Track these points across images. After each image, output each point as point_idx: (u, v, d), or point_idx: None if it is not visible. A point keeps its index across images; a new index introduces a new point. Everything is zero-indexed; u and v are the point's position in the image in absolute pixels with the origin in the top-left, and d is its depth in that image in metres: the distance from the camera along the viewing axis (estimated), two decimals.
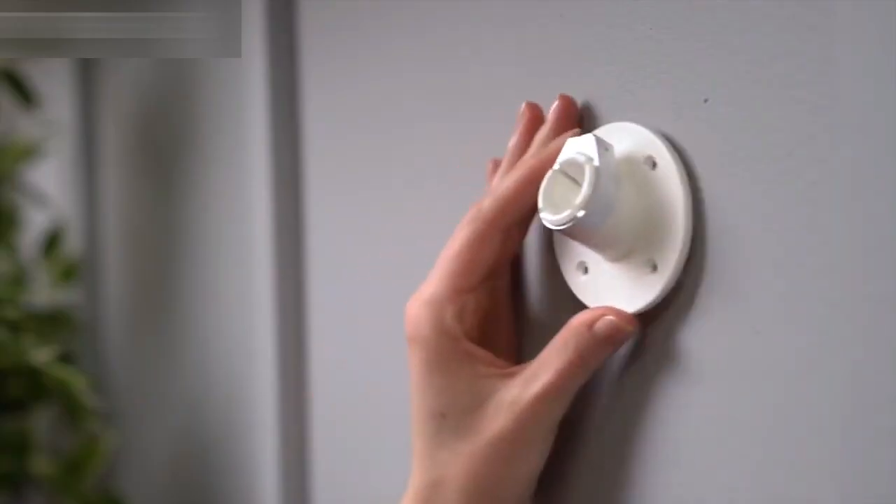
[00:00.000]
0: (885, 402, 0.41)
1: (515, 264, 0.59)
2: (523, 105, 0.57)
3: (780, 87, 0.45)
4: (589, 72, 0.55)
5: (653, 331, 0.51)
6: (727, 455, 0.49)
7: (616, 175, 0.49)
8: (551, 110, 0.56)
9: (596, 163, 0.49)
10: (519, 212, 0.55)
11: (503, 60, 0.61)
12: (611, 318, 0.51)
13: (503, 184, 0.55)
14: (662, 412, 0.51)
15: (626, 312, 0.51)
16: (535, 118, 0.57)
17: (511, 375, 0.53)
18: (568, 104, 0.55)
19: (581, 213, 0.49)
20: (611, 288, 0.52)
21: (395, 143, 0.72)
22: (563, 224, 0.49)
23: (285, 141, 0.83)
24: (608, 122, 0.54)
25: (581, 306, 0.54)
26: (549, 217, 0.50)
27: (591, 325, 0.51)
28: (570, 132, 0.54)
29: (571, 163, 0.50)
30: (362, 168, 0.76)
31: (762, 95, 0.46)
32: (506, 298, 0.58)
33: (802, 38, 0.44)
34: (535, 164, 0.54)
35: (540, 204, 0.51)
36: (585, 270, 0.54)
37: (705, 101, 0.49)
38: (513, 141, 0.58)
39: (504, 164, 0.58)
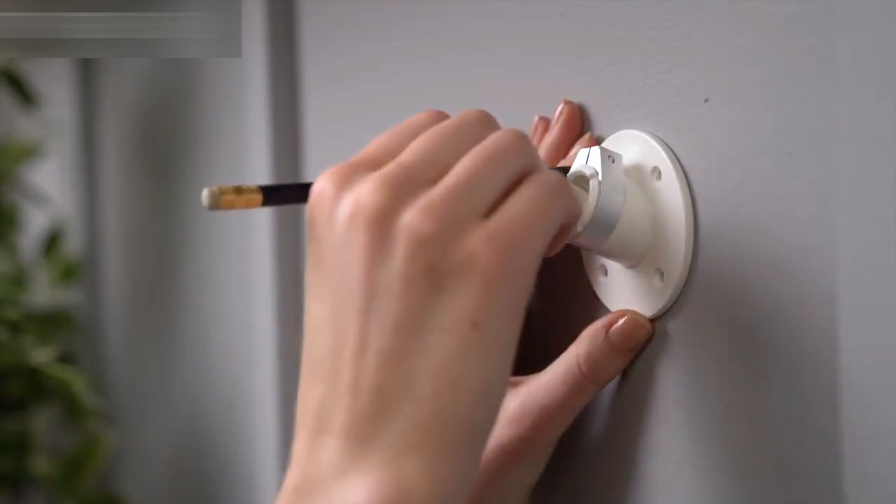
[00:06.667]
0: (886, 402, 0.41)
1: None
2: (536, 118, 0.57)
3: (780, 87, 0.45)
4: (589, 72, 0.55)
5: (659, 338, 0.51)
6: (732, 457, 0.49)
7: (622, 188, 0.50)
8: (558, 117, 0.56)
9: (599, 178, 0.49)
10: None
11: (503, 60, 0.61)
12: (625, 319, 0.51)
13: None
14: (668, 417, 0.51)
15: (643, 316, 0.51)
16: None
17: (515, 385, 0.53)
18: (573, 110, 0.55)
19: (582, 229, 0.49)
20: (626, 293, 0.52)
21: None
22: (569, 238, 0.50)
23: (285, 141, 0.84)
24: (608, 122, 0.54)
25: (603, 306, 0.54)
26: None
27: (608, 327, 0.51)
28: (582, 140, 0.55)
29: (579, 175, 0.50)
30: None
31: (762, 95, 0.46)
32: None
33: (802, 38, 0.44)
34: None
35: None
36: (606, 273, 0.54)
37: (705, 101, 0.49)
38: None
39: None
